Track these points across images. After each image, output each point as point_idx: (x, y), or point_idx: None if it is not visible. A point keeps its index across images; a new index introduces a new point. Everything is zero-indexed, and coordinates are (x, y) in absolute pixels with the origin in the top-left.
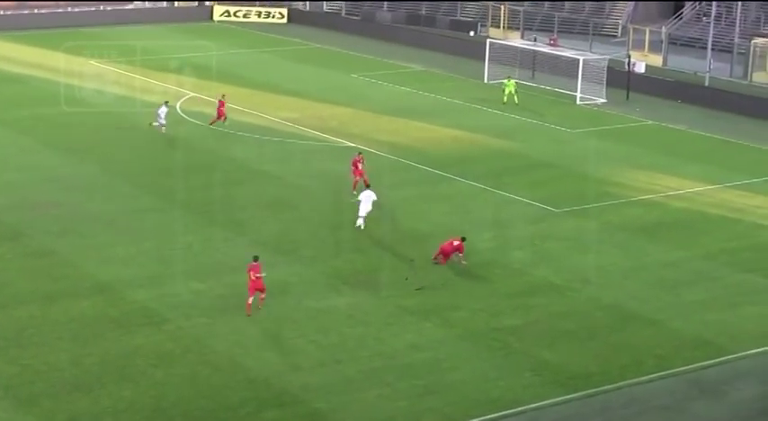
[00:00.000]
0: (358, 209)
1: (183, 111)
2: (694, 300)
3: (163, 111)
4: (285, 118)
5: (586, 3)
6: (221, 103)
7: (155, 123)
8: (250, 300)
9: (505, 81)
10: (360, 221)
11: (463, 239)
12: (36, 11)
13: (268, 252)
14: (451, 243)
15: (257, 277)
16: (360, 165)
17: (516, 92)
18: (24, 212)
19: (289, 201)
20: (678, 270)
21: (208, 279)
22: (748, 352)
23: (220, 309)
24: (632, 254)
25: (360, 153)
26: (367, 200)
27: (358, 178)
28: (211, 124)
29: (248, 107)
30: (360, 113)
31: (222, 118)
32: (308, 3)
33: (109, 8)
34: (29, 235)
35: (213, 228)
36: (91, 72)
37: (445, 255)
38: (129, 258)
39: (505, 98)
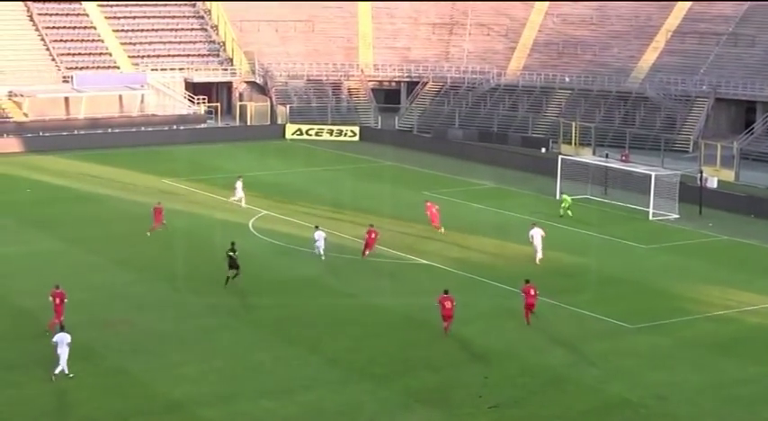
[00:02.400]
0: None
1: (254, 228)
2: None
3: (320, 236)
4: (357, 235)
5: (657, 119)
6: (370, 234)
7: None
8: None
9: (565, 196)
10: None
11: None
12: (109, 130)
13: (340, 370)
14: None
15: None
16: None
17: (570, 207)
18: (96, 331)
19: (360, 318)
20: (755, 386)
21: (279, 397)
22: None
23: None
24: (707, 370)
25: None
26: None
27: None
28: (364, 256)
29: (319, 225)
30: (432, 231)
31: (369, 248)
32: (380, 120)
33: (182, 128)
34: (101, 354)
35: (285, 345)
36: (164, 190)
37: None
38: (200, 376)
39: (561, 212)
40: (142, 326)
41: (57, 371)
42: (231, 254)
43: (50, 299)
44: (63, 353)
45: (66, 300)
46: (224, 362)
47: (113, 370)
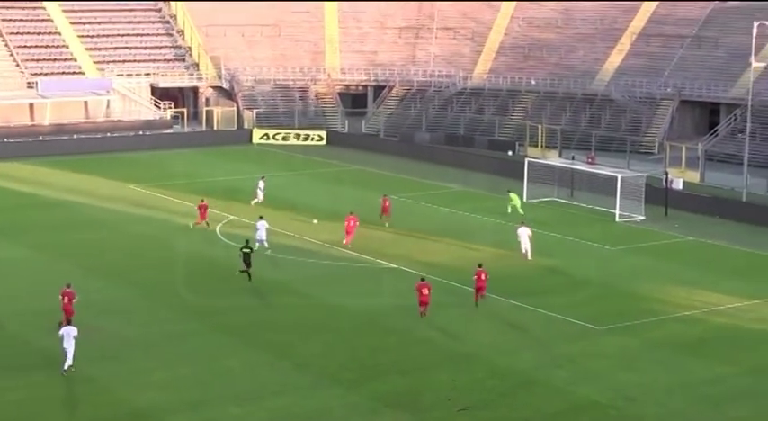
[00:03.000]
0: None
1: (222, 233)
2: (739, 417)
3: (261, 226)
4: (325, 240)
5: (623, 121)
6: (349, 221)
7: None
8: None
9: (511, 193)
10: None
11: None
12: (75, 136)
13: (309, 375)
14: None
15: None
16: None
17: (521, 205)
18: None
19: (329, 323)
20: (722, 386)
21: (248, 403)
22: None
23: None
24: (675, 370)
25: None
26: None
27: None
28: (346, 243)
29: (288, 230)
30: (399, 234)
31: (350, 235)
32: (347, 124)
33: (148, 133)
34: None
35: (254, 351)
36: (130, 197)
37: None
38: (168, 383)
39: (509, 209)
40: (110, 333)
41: (66, 367)
42: (246, 250)
43: (60, 297)
44: (69, 346)
45: (75, 300)
46: (192, 369)
47: (80, 377)
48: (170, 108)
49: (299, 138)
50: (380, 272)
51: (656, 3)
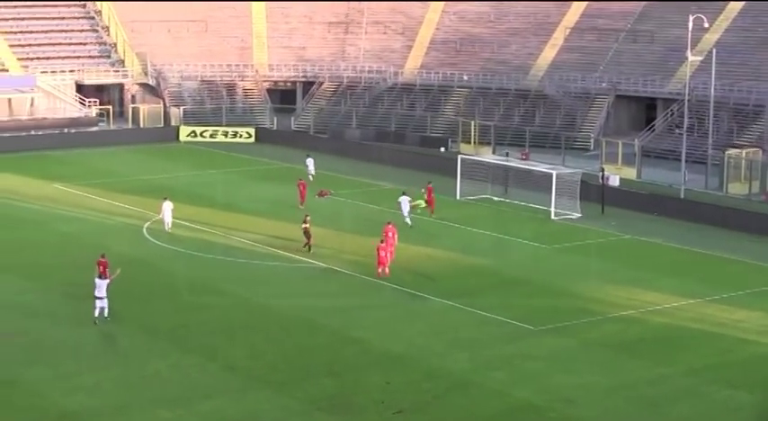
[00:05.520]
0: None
1: (149, 233)
2: (678, 417)
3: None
4: (252, 239)
5: (557, 117)
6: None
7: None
8: None
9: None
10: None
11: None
12: None
13: (239, 378)
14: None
15: None
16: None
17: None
18: None
19: (258, 324)
20: (661, 387)
21: (177, 407)
22: None
23: None
24: (613, 371)
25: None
26: None
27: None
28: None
29: (213, 228)
30: (329, 233)
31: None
32: (275, 121)
33: (73, 131)
34: None
35: (182, 353)
36: (54, 195)
37: None
38: (95, 386)
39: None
40: (35, 336)
41: (97, 315)
42: (305, 225)
43: (96, 266)
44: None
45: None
46: (120, 372)
47: (4, 381)
48: (95, 105)
49: (226, 136)
50: (309, 271)
51: None
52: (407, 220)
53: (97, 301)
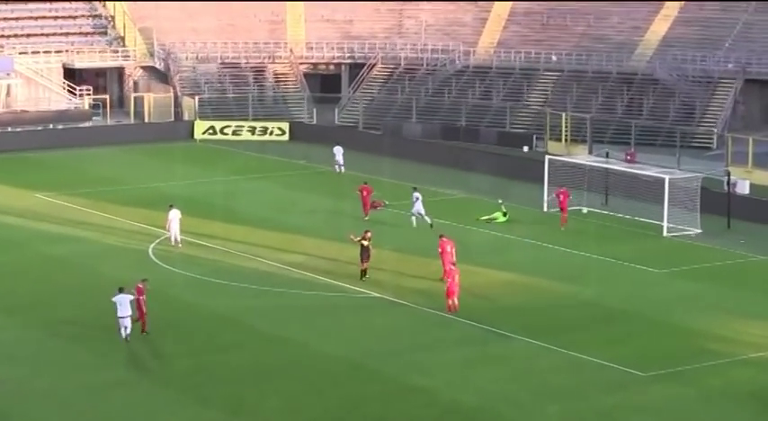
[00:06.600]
0: None
1: (156, 255)
2: None
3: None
4: (287, 262)
5: (670, 107)
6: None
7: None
8: None
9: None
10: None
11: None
12: None
13: None
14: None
15: None
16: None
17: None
18: None
19: (294, 370)
20: None
21: None
22: None
23: None
24: None
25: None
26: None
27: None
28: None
29: (242, 250)
30: (385, 254)
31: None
32: (315, 114)
33: (61, 127)
34: None
35: (199, 407)
36: (36, 208)
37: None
38: None
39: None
40: (14, 385)
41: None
42: (364, 242)
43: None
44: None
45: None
46: None
47: None
48: (88, 95)
49: (253, 133)
50: (359, 302)
51: None
52: (427, 219)
53: (120, 321)
